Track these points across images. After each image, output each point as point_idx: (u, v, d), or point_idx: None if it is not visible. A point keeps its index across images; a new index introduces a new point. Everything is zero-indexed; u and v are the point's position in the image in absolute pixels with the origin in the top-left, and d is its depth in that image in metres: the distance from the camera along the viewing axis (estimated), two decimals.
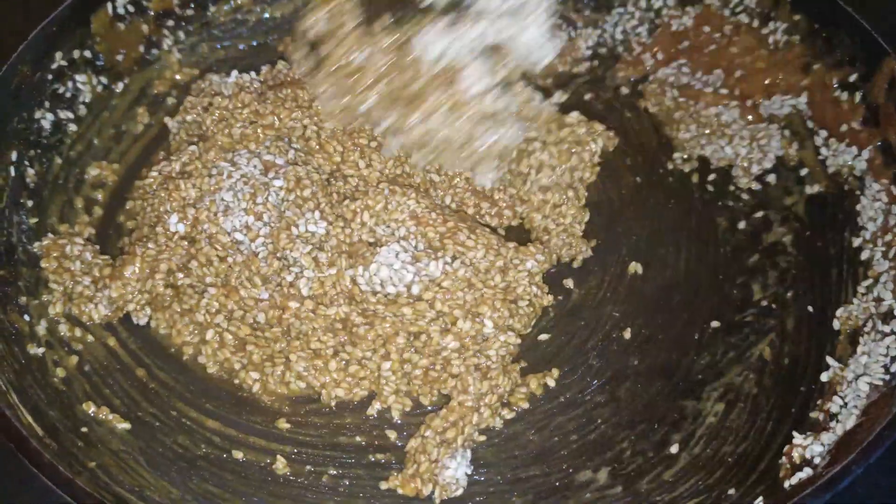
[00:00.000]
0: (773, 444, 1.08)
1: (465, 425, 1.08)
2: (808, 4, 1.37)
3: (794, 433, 1.05)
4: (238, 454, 1.10)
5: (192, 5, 1.49)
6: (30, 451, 0.93)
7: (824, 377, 1.11)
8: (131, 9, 1.41)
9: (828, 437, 1.01)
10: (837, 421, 1.03)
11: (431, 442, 1.07)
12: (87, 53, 1.36)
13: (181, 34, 1.49)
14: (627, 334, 1.19)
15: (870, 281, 1.17)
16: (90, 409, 1.11)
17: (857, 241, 1.23)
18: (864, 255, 1.21)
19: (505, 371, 1.13)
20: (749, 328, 1.20)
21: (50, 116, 1.31)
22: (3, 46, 1.27)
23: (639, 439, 1.11)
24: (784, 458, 1.03)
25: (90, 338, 1.18)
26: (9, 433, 0.95)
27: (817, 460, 0.99)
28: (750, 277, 1.25)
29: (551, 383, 1.15)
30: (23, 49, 1.26)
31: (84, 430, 1.08)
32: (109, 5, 1.38)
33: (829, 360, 1.12)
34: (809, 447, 1.01)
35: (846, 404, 1.04)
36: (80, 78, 1.36)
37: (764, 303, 1.22)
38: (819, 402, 1.09)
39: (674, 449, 1.10)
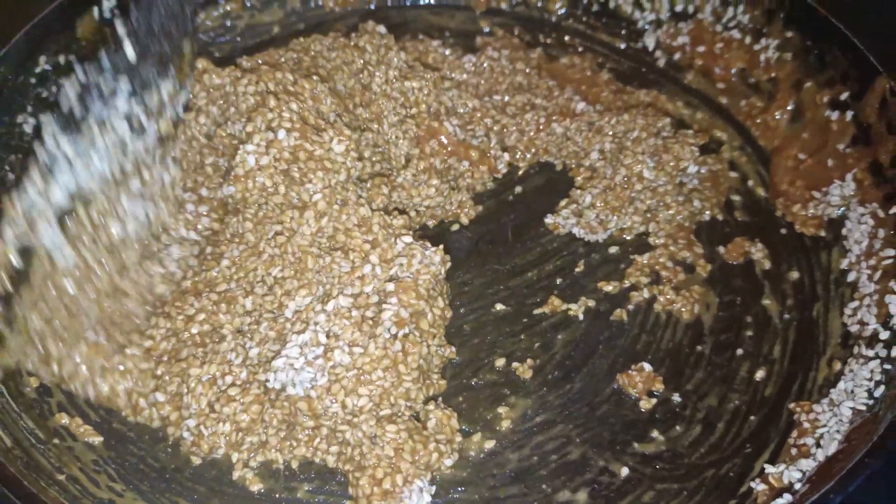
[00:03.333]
0: (753, 469, 1.06)
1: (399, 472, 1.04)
2: (800, 21, 1.36)
3: (766, 465, 1.03)
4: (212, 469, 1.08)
5: None
6: None
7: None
8: (118, 13, 1.39)
9: (807, 464, 0.99)
10: (819, 447, 1.02)
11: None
12: (73, 58, 1.35)
13: None
14: (608, 356, 1.19)
15: (856, 303, 1.16)
16: (63, 420, 1.09)
17: (844, 263, 1.22)
18: (851, 278, 1.19)
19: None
20: (734, 349, 1.19)
21: (32, 121, 1.30)
22: None
23: (618, 460, 1.09)
24: (762, 484, 1.01)
25: None
26: None
27: (797, 486, 0.98)
28: (737, 297, 1.24)
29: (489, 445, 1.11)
30: (5, 53, 1.25)
31: (56, 441, 1.06)
32: (95, 9, 1.36)
33: (792, 406, 1.11)
34: (786, 473, 0.99)
35: (829, 430, 1.03)
36: (65, 82, 1.34)
37: (750, 321, 1.21)
38: (794, 434, 1.07)
39: (653, 471, 1.08)
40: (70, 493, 0.99)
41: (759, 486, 1.02)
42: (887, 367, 1.05)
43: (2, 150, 1.25)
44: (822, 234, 1.27)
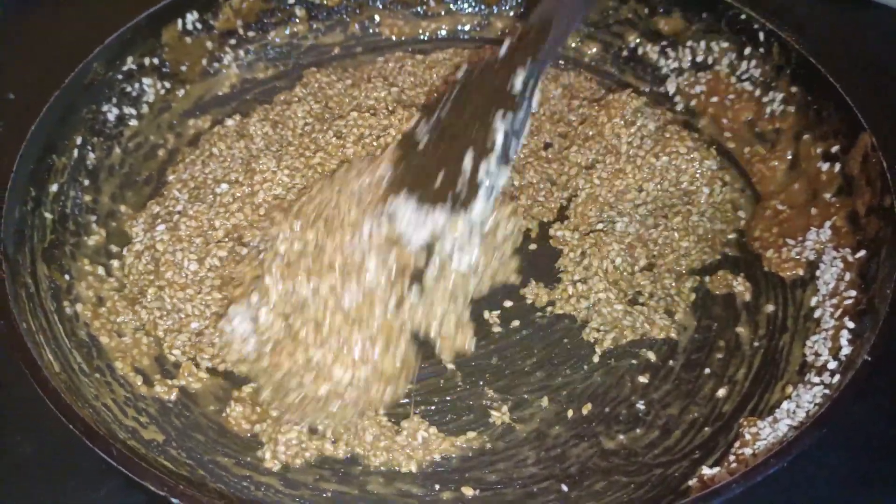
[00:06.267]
0: (696, 472, 1.16)
1: None
2: (804, 77, 1.47)
3: (705, 468, 1.15)
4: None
5: (254, 28, 1.69)
6: (40, 378, 1.07)
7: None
8: (199, 26, 1.62)
9: (737, 468, 1.10)
10: (755, 456, 1.12)
11: None
12: (156, 60, 1.57)
13: (241, 52, 1.69)
14: (586, 357, 1.32)
15: (816, 337, 1.26)
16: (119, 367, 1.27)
17: (813, 301, 1.31)
18: (817, 314, 1.29)
19: None
20: (703, 368, 1.30)
21: (115, 111, 1.51)
22: (84, 48, 1.47)
23: (584, 450, 1.22)
24: (698, 482, 1.12)
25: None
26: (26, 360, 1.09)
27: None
28: (713, 323, 1.35)
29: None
30: (99, 51, 1.46)
31: (97, 375, 1.24)
32: (180, 21, 1.59)
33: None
34: (717, 475, 1.10)
35: (767, 442, 1.13)
36: (146, 81, 1.56)
37: (722, 345, 1.32)
38: (737, 444, 1.18)
39: (608, 464, 1.20)
40: (101, 416, 1.16)
41: (693, 483, 1.13)
42: (826, 391, 1.14)
43: (87, 132, 1.47)
44: (801, 273, 1.36)
